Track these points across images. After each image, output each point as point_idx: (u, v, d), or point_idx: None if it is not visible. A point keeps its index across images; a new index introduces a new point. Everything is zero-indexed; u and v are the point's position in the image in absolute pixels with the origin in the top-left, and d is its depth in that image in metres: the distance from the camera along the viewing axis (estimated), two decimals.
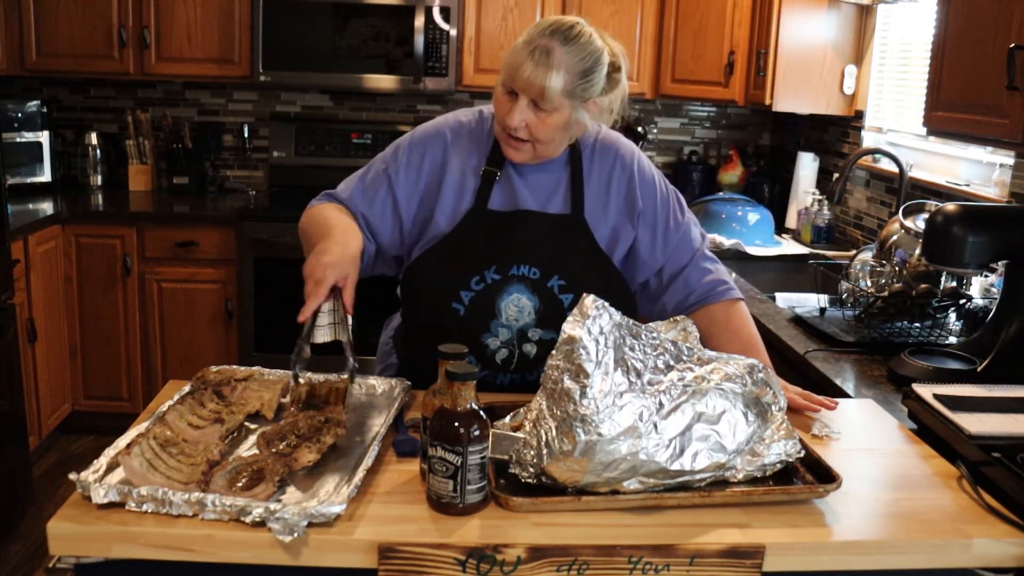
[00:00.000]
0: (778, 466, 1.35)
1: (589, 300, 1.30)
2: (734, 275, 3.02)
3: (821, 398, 1.68)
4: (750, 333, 1.78)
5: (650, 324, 1.50)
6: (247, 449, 1.39)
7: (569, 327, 1.28)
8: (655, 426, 1.27)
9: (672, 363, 1.35)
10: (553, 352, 1.29)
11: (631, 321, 1.35)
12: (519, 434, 1.32)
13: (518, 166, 1.73)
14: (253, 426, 1.48)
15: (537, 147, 1.67)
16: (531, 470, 1.28)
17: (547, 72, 1.57)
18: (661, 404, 1.29)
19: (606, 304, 1.32)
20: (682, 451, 1.28)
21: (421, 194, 1.74)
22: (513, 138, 1.66)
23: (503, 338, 1.71)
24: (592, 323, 1.28)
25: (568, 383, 1.25)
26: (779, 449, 1.35)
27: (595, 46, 1.61)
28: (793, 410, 1.62)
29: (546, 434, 1.25)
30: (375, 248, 1.77)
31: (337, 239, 1.58)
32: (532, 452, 1.27)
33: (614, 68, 1.66)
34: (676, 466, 1.28)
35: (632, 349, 1.33)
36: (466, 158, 1.74)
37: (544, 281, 1.71)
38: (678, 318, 1.50)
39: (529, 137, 1.65)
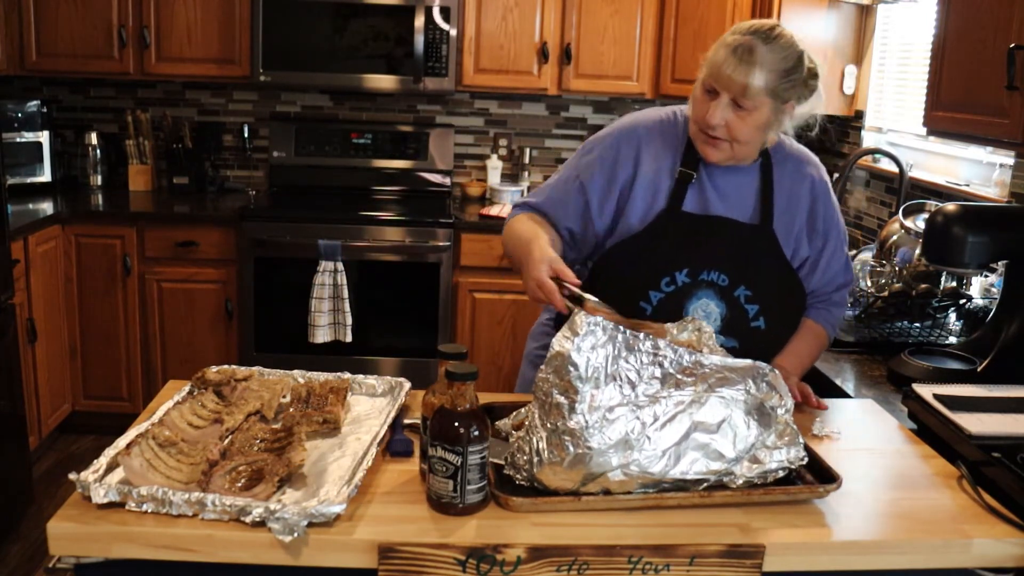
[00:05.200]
0: (779, 473, 1.34)
1: (580, 317, 1.30)
2: None
3: (814, 399, 1.69)
4: (798, 349, 1.80)
5: (664, 325, 1.49)
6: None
7: (558, 343, 1.28)
8: (648, 438, 1.27)
9: (671, 371, 1.34)
10: (543, 365, 1.28)
11: (629, 332, 1.34)
12: (511, 440, 1.32)
13: (710, 170, 1.73)
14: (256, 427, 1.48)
15: (735, 147, 1.66)
16: (524, 474, 1.28)
17: (750, 69, 1.58)
18: (655, 416, 1.28)
19: (599, 320, 1.31)
20: (677, 460, 1.28)
21: (616, 194, 1.75)
22: (711, 137, 1.65)
23: None
24: (582, 340, 1.28)
25: (558, 398, 1.25)
26: (782, 456, 1.33)
27: (796, 47, 1.63)
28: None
29: (538, 443, 1.26)
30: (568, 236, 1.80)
31: (532, 247, 1.61)
32: (524, 457, 1.27)
33: (811, 74, 1.66)
34: (671, 476, 1.27)
35: (627, 361, 1.31)
36: (660, 157, 1.74)
37: (732, 289, 1.70)
38: (692, 318, 1.50)
39: (727, 136, 1.64)
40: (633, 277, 1.70)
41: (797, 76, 1.62)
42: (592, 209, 1.75)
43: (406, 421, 1.53)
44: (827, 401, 1.80)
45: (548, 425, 1.25)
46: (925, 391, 1.65)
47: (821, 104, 1.70)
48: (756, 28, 1.62)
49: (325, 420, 1.46)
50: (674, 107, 1.81)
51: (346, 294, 3.60)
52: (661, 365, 1.34)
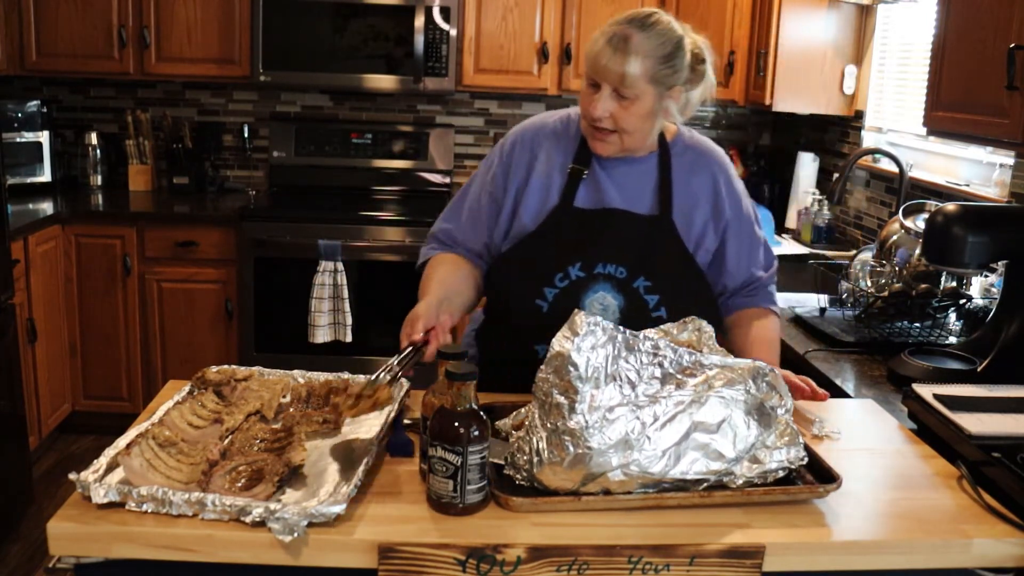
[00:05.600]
0: (780, 473, 1.34)
1: (580, 317, 1.30)
2: None
3: (815, 388, 1.67)
4: (766, 336, 1.80)
5: (661, 327, 1.49)
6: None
7: (558, 343, 1.28)
8: (648, 438, 1.27)
9: (672, 371, 1.34)
10: (543, 366, 1.28)
11: (629, 332, 1.34)
12: (511, 440, 1.32)
13: (606, 165, 1.74)
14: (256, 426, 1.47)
15: (624, 138, 1.67)
16: (524, 474, 1.28)
17: (626, 57, 1.59)
18: (655, 416, 1.28)
19: (599, 320, 1.31)
20: (677, 460, 1.28)
21: (512, 199, 1.76)
22: (599, 130, 1.66)
23: None
24: (582, 340, 1.28)
25: (558, 398, 1.25)
26: (781, 456, 1.33)
27: (674, 32, 1.64)
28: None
29: (538, 443, 1.26)
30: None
31: (429, 293, 1.67)
32: (524, 457, 1.27)
33: (697, 60, 1.67)
34: (671, 476, 1.27)
35: (627, 361, 1.31)
36: (553, 157, 1.75)
37: (630, 281, 1.71)
38: (691, 318, 1.50)
39: (614, 127, 1.65)
40: (527, 276, 1.71)
41: (678, 62, 1.63)
42: (502, 215, 1.77)
43: (406, 421, 1.53)
44: (827, 401, 1.81)
45: (548, 425, 1.25)
46: (925, 391, 1.65)
47: (712, 88, 1.71)
48: (632, 16, 1.63)
49: (325, 420, 1.46)
50: (569, 108, 1.83)
51: (346, 294, 3.60)
52: (661, 365, 1.34)
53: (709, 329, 1.49)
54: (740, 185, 1.83)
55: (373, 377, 1.44)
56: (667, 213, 1.73)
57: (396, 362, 1.47)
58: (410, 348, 1.50)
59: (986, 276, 2.27)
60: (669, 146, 1.77)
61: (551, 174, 1.74)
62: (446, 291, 1.69)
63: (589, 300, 1.70)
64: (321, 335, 3.62)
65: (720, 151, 1.84)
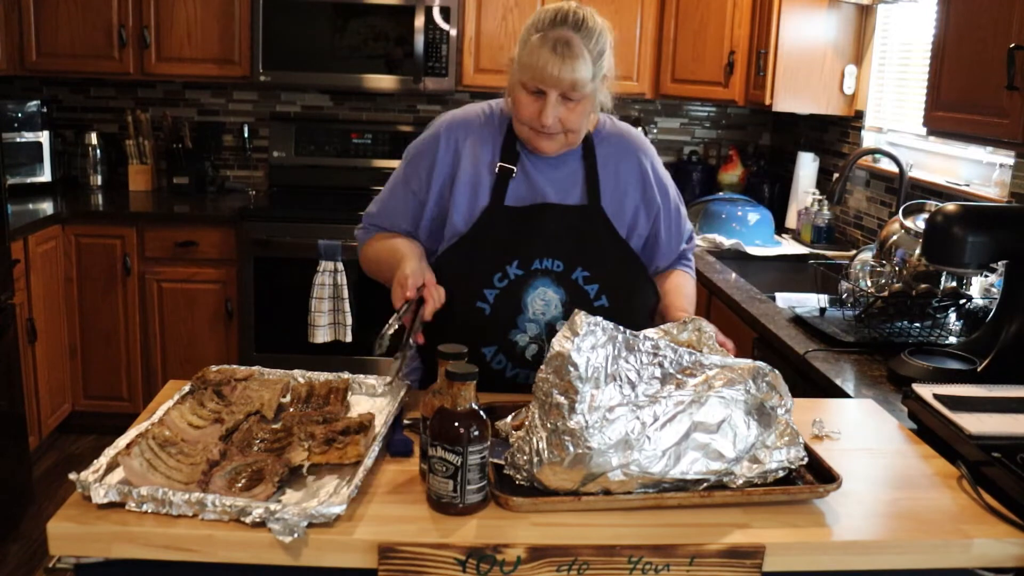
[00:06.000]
0: (780, 473, 1.34)
1: (580, 317, 1.30)
2: (734, 275, 3.02)
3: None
4: (673, 283, 1.86)
5: (662, 327, 1.49)
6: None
7: (558, 343, 1.28)
8: (648, 438, 1.27)
9: (672, 371, 1.34)
10: (543, 366, 1.28)
11: (629, 332, 1.34)
12: (512, 440, 1.32)
13: (534, 160, 1.74)
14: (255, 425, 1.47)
15: (569, 136, 1.69)
16: (524, 473, 1.28)
17: (574, 63, 1.59)
18: (655, 416, 1.28)
19: (599, 320, 1.31)
20: (677, 460, 1.28)
21: (438, 194, 1.76)
22: (544, 133, 1.66)
23: (531, 333, 1.71)
24: (582, 340, 1.28)
25: (558, 398, 1.25)
26: (781, 456, 1.33)
27: (599, 24, 1.64)
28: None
29: (538, 443, 1.26)
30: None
31: (408, 255, 1.67)
32: (524, 457, 1.27)
33: (610, 45, 1.68)
34: (671, 476, 1.27)
35: (627, 361, 1.31)
36: (479, 154, 1.74)
37: (568, 273, 1.71)
38: (692, 317, 1.50)
39: (561, 129, 1.66)
40: (466, 279, 1.70)
41: (608, 53, 1.64)
42: (426, 212, 1.77)
43: (406, 421, 1.53)
44: (827, 401, 1.81)
45: (548, 425, 1.25)
46: (925, 391, 1.65)
47: (612, 58, 1.70)
48: (562, 18, 1.61)
49: (325, 420, 1.46)
50: (488, 102, 1.81)
51: (346, 294, 3.60)
52: (661, 365, 1.34)
53: (709, 329, 1.49)
54: (663, 168, 1.86)
55: (380, 334, 1.43)
56: (596, 201, 1.75)
57: (396, 319, 1.47)
58: (406, 306, 1.50)
59: (986, 276, 2.27)
60: (592, 136, 1.77)
61: (479, 173, 1.73)
62: (418, 253, 1.71)
63: (530, 297, 1.71)
64: (321, 335, 3.62)
65: (642, 136, 1.86)
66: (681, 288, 1.85)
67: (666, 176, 1.86)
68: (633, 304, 1.78)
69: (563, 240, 1.71)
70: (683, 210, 1.91)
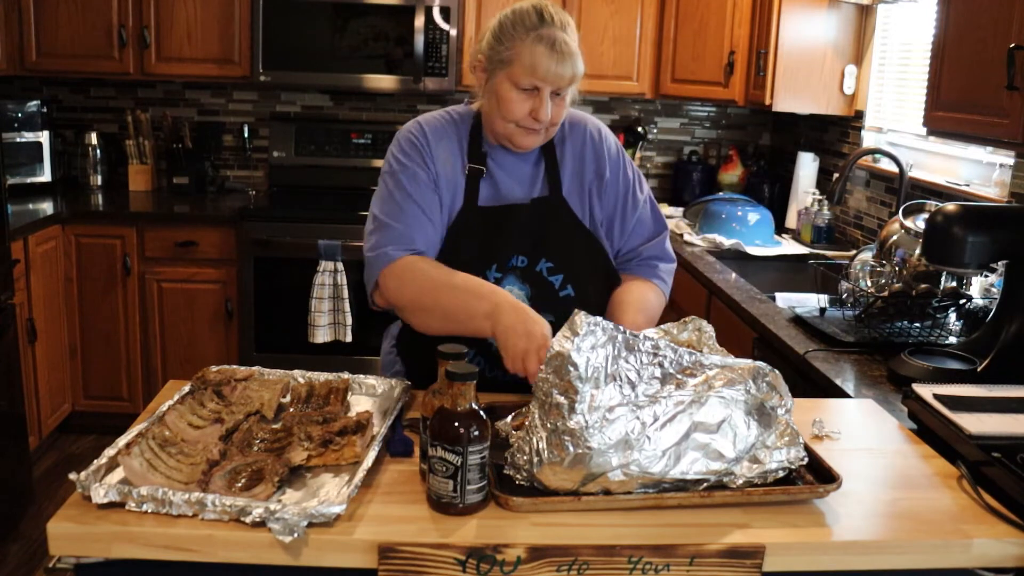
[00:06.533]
0: (780, 473, 1.34)
1: (580, 317, 1.30)
2: (734, 275, 3.02)
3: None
4: (623, 298, 1.76)
5: (662, 327, 1.49)
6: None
7: (558, 343, 1.28)
8: (648, 438, 1.27)
9: (672, 371, 1.34)
10: (543, 365, 1.28)
11: (629, 332, 1.34)
12: (512, 440, 1.32)
13: (498, 160, 1.75)
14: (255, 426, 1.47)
15: (550, 130, 1.71)
16: (524, 473, 1.28)
17: (571, 59, 1.62)
18: (655, 416, 1.28)
19: (599, 320, 1.31)
20: (677, 460, 1.28)
21: (438, 197, 1.74)
22: (533, 129, 1.67)
23: None
24: (582, 340, 1.28)
25: (558, 398, 1.25)
26: (781, 456, 1.33)
27: (568, 16, 1.67)
28: None
29: (538, 443, 1.26)
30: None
31: (520, 310, 1.51)
32: (524, 457, 1.27)
33: None
34: (671, 476, 1.27)
35: (627, 361, 1.31)
36: (449, 158, 1.74)
37: (532, 267, 1.72)
38: (691, 318, 1.50)
39: (548, 123, 1.67)
40: None
41: (579, 45, 1.67)
42: (433, 213, 1.71)
43: (406, 421, 1.53)
44: (827, 401, 1.81)
45: (548, 425, 1.25)
46: (925, 391, 1.65)
47: None
48: (545, 16, 1.63)
49: (325, 420, 1.46)
50: (445, 108, 1.81)
51: (346, 294, 3.60)
52: (661, 365, 1.34)
53: (709, 329, 1.49)
54: (622, 151, 1.85)
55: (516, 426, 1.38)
56: (557, 191, 1.76)
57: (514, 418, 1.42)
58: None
59: (986, 276, 2.27)
60: None
61: (454, 175, 1.73)
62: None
63: None
64: (321, 335, 3.62)
65: (594, 119, 1.86)
66: (640, 304, 1.75)
67: (624, 162, 1.83)
68: (598, 291, 1.78)
69: (528, 235, 1.72)
70: (641, 197, 1.84)
